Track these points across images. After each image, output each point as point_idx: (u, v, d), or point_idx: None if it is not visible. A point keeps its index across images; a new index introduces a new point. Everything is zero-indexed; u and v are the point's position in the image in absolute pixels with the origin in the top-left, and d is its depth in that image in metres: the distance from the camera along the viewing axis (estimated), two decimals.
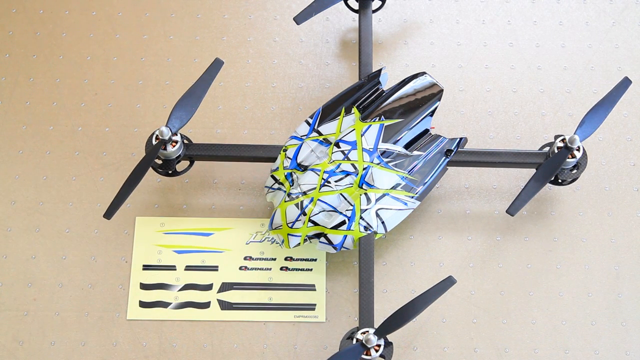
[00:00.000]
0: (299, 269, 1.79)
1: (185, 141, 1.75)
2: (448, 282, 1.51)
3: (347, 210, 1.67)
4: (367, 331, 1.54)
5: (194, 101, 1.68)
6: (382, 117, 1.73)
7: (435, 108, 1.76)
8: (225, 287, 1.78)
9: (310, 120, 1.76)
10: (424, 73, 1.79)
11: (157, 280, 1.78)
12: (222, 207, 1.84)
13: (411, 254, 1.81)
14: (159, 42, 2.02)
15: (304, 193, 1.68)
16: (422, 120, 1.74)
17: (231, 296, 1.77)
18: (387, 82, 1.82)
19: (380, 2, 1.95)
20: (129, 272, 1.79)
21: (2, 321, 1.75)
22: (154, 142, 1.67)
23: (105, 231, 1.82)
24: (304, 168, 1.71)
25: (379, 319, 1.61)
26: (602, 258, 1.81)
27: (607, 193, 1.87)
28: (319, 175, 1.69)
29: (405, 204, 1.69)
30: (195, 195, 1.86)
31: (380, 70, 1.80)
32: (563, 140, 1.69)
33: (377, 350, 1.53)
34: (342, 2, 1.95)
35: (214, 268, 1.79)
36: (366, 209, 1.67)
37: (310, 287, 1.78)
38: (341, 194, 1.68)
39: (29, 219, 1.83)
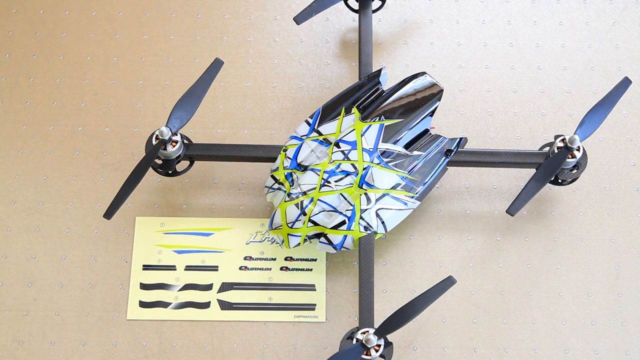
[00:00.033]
0: (299, 269, 1.79)
1: (185, 141, 1.75)
2: (448, 282, 1.51)
3: (347, 210, 1.67)
4: (367, 331, 1.54)
5: (194, 101, 1.68)
6: (382, 117, 1.73)
7: (435, 108, 1.76)
8: (225, 287, 1.78)
9: (310, 120, 1.76)
10: (424, 73, 1.79)
11: (157, 280, 1.78)
12: (222, 207, 1.84)
13: (411, 254, 1.81)
14: (159, 42, 2.02)
15: (304, 193, 1.68)
16: (422, 120, 1.74)
17: (231, 296, 1.77)
18: (387, 82, 1.82)
19: (380, 2, 1.95)
20: (129, 272, 1.79)
21: (2, 321, 1.75)
22: (154, 142, 1.67)
23: (105, 231, 1.82)
24: (304, 168, 1.71)
25: (379, 319, 1.61)
26: (602, 258, 1.81)
27: (607, 193, 1.87)
28: (319, 175, 1.69)
29: (405, 204, 1.69)
30: (195, 195, 1.86)
31: (380, 70, 1.80)
32: (563, 140, 1.69)
33: (377, 350, 1.53)
34: (342, 2, 1.95)
35: (214, 268, 1.79)
36: (366, 209, 1.67)
37: (310, 287, 1.78)
38: (341, 194, 1.68)
39: (29, 219, 1.83)
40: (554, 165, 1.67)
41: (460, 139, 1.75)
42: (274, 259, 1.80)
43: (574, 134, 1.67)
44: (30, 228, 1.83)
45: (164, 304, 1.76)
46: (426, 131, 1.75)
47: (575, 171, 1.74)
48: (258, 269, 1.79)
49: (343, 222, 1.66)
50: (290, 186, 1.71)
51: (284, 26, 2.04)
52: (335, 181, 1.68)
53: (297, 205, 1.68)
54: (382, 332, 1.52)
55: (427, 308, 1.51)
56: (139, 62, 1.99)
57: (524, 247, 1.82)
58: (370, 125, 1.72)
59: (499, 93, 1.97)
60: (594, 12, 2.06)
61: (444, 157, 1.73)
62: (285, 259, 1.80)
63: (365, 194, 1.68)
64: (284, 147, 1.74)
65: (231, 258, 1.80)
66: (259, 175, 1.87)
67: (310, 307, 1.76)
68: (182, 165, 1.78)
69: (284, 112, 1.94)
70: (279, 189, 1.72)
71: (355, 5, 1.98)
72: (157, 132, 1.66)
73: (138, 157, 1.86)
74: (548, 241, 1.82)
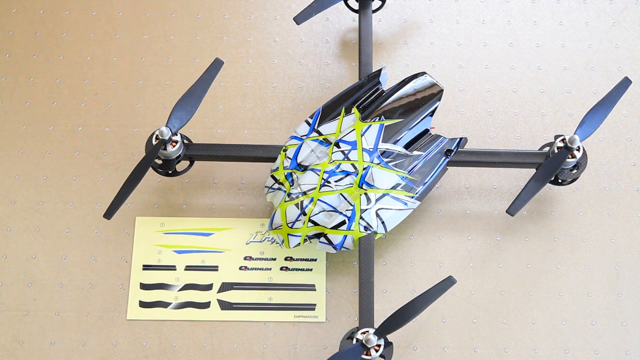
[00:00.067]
0: (299, 269, 1.79)
1: (185, 141, 1.75)
2: (448, 282, 1.51)
3: (347, 210, 1.67)
4: (367, 331, 1.54)
5: (194, 101, 1.68)
6: (382, 117, 1.73)
7: (435, 108, 1.76)
8: (225, 287, 1.78)
9: (310, 120, 1.76)
10: (424, 73, 1.79)
11: (157, 280, 1.78)
12: (222, 207, 1.84)
13: (411, 254, 1.81)
14: (159, 42, 2.02)
15: (304, 193, 1.68)
16: (422, 120, 1.74)
17: (231, 296, 1.77)
18: (387, 82, 1.82)
19: (380, 2, 1.95)
20: (129, 272, 1.79)
21: (2, 321, 1.75)
22: (154, 142, 1.67)
23: (105, 231, 1.82)
24: (304, 168, 1.71)
25: (379, 319, 1.61)
26: (602, 258, 1.81)
27: (607, 193, 1.87)
28: (319, 175, 1.69)
29: (405, 204, 1.69)
30: (195, 195, 1.86)
31: (380, 70, 1.80)
32: (563, 140, 1.69)
33: (377, 350, 1.53)
34: (342, 2, 1.95)
35: (214, 268, 1.79)
36: (366, 209, 1.67)
37: (310, 287, 1.78)
38: (341, 194, 1.68)
39: (29, 219, 1.83)
40: (554, 165, 1.67)
41: (460, 139, 1.75)
42: (274, 259, 1.80)
43: (574, 134, 1.67)
44: (30, 228, 1.83)
45: (164, 304, 1.76)
46: (426, 131, 1.75)
47: (575, 171, 1.74)
48: (258, 269, 1.79)
49: (343, 222, 1.66)
50: (290, 186, 1.71)
51: (284, 26, 2.04)
52: (335, 181, 1.68)
53: (297, 205, 1.68)
54: (382, 332, 1.52)
55: (427, 308, 1.51)
56: (139, 62, 1.99)
57: (524, 247, 1.82)
58: (370, 125, 1.72)
59: (499, 93, 1.97)
60: (594, 12, 2.05)
61: (444, 157, 1.73)
62: (285, 259, 1.80)
63: (365, 194, 1.68)
64: (284, 147, 1.74)
65: (231, 258, 1.80)
66: (259, 175, 1.87)
67: (310, 307, 1.76)
68: (182, 165, 1.78)
69: (284, 112, 1.94)
70: (279, 189, 1.72)
71: (355, 5, 1.97)
72: (157, 132, 1.66)
73: (138, 157, 1.86)
74: (548, 241, 1.82)
